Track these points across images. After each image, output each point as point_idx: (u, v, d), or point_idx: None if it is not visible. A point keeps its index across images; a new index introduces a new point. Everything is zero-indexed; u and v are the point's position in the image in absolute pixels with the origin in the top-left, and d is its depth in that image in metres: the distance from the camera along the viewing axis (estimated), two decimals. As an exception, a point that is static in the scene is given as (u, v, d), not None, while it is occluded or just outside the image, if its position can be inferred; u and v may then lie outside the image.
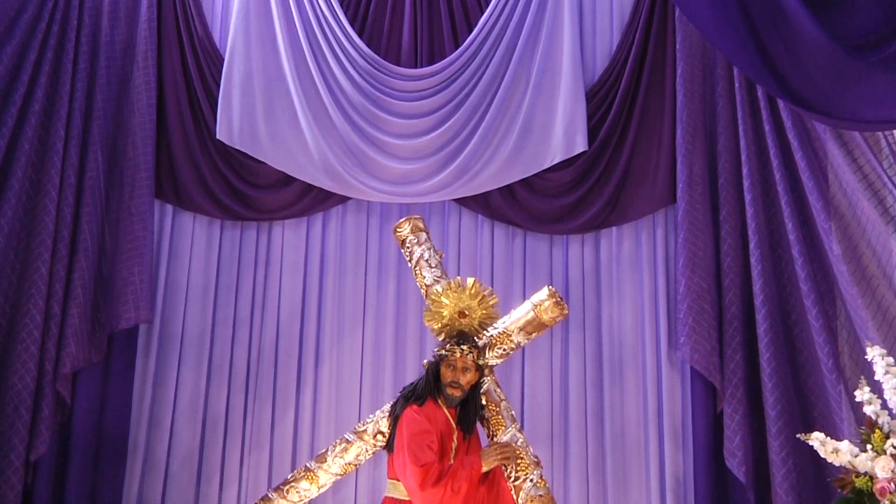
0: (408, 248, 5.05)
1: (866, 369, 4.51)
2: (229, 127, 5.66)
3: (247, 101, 5.70)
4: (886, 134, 5.14)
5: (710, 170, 5.59)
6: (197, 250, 5.75)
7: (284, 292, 5.72)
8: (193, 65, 5.78)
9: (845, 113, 4.80)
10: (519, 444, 4.48)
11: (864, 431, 4.28)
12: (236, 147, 5.66)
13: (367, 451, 4.78)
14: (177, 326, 5.60)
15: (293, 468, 5.30)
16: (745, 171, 5.45)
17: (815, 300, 5.13)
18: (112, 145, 5.65)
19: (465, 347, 4.50)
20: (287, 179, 5.72)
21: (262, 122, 5.69)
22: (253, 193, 5.73)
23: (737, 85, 5.58)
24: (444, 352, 4.52)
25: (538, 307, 4.66)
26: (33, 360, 5.13)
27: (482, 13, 5.84)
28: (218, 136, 5.65)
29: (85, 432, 5.25)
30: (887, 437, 4.16)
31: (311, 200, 5.74)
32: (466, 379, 4.49)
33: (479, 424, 4.64)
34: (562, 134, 5.66)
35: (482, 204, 5.74)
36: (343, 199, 5.77)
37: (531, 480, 4.37)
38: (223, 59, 5.77)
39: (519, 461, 4.41)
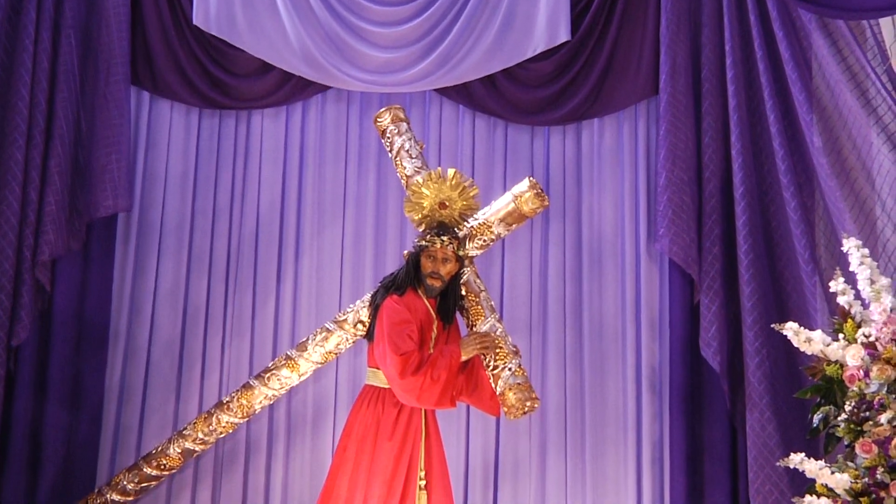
0: (388, 138, 5.01)
1: (842, 260, 4.54)
2: (206, 12, 5.51)
3: (224, -15, 5.57)
4: (872, 24, 5.08)
5: (693, 61, 5.51)
6: (175, 139, 5.67)
7: (264, 182, 5.67)
8: (168, -55, 5.61)
9: (832, 0, 4.74)
10: (498, 333, 4.53)
11: (837, 321, 4.34)
12: (213, 34, 5.52)
13: (347, 340, 4.83)
14: (156, 216, 5.56)
15: (274, 357, 5.35)
16: (728, 61, 5.38)
17: (794, 192, 5.14)
18: (85, 29, 5.47)
19: (445, 238, 4.51)
20: (266, 67, 5.60)
21: (240, 8, 5.54)
22: (231, 82, 5.63)
23: (723, -27, 5.49)
24: (424, 242, 4.54)
25: (519, 198, 4.66)
26: (11, 247, 5.08)
27: None
28: (195, 22, 5.50)
29: (66, 319, 5.24)
30: (859, 326, 4.23)
31: (290, 89, 5.64)
32: (446, 269, 4.52)
33: (458, 314, 4.69)
34: (545, 23, 5.55)
35: (463, 94, 5.67)
36: (323, 89, 5.68)
37: (509, 369, 4.42)
38: (198, -59, 5.60)
39: (498, 350, 4.45)
